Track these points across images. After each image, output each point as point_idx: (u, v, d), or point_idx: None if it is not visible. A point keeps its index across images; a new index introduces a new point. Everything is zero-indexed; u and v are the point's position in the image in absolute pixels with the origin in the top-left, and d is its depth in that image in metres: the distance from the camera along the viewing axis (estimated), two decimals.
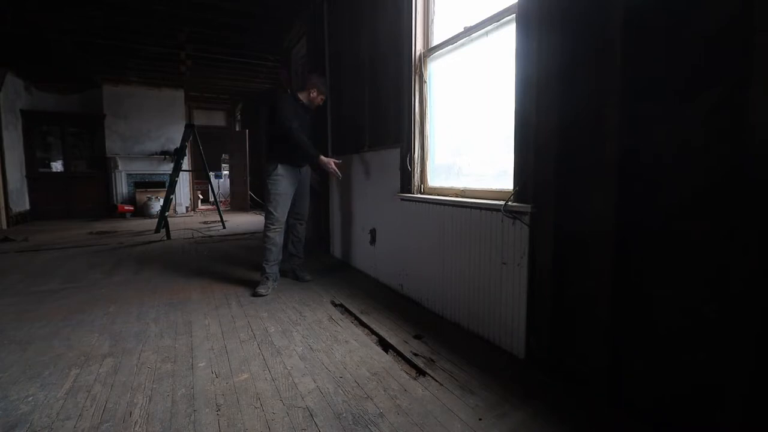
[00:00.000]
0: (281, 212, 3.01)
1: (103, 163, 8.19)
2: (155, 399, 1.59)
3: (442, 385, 1.69)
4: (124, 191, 8.35)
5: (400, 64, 2.81)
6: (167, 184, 6.27)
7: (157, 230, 5.89)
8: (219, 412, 1.50)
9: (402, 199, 2.79)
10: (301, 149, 2.95)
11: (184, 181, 8.81)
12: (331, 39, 4.15)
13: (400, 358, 1.95)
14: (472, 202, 2.14)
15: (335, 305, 2.71)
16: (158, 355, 1.97)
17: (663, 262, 1.33)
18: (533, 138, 1.76)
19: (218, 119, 10.91)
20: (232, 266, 3.82)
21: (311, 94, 3.12)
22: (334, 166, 3.04)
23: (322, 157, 3.01)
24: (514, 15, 1.90)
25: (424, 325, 2.33)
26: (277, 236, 2.99)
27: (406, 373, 1.80)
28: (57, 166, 8.05)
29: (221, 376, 1.77)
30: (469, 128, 2.47)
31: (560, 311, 1.69)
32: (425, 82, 2.70)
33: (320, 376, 1.77)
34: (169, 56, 6.42)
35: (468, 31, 2.26)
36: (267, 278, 2.99)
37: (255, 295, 2.87)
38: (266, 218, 3.03)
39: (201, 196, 10.42)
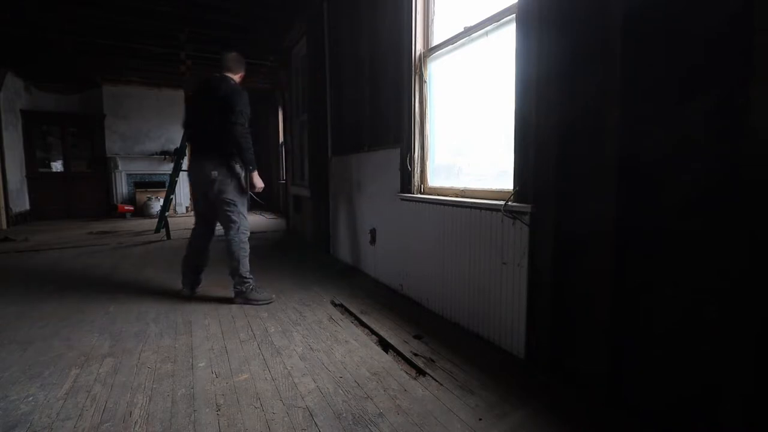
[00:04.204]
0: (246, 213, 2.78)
1: (103, 163, 8.19)
2: (155, 399, 1.59)
3: (442, 385, 1.69)
4: (124, 191, 8.34)
5: (400, 64, 2.81)
6: (167, 184, 6.27)
7: (157, 230, 5.89)
8: (219, 412, 1.50)
9: (402, 199, 2.79)
10: (246, 154, 2.58)
11: (184, 181, 8.80)
12: (331, 39, 4.15)
13: (400, 358, 1.95)
14: (472, 202, 2.14)
15: (335, 305, 2.71)
16: (158, 355, 1.97)
17: (663, 262, 1.33)
18: (533, 138, 1.76)
19: None
20: None
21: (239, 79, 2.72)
22: (260, 186, 2.80)
23: (256, 173, 2.73)
24: (514, 15, 1.90)
25: (424, 325, 2.33)
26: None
27: (406, 373, 1.80)
28: (57, 166, 8.05)
29: (221, 376, 1.77)
30: (469, 128, 2.47)
31: (560, 311, 1.69)
32: (425, 82, 2.70)
33: (320, 376, 1.77)
34: (169, 56, 6.41)
35: (468, 31, 2.26)
36: (250, 281, 2.74)
37: (259, 302, 2.68)
38: (236, 222, 2.72)
39: None
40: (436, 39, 2.66)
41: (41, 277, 3.46)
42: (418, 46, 2.71)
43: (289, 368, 1.84)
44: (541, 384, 1.68)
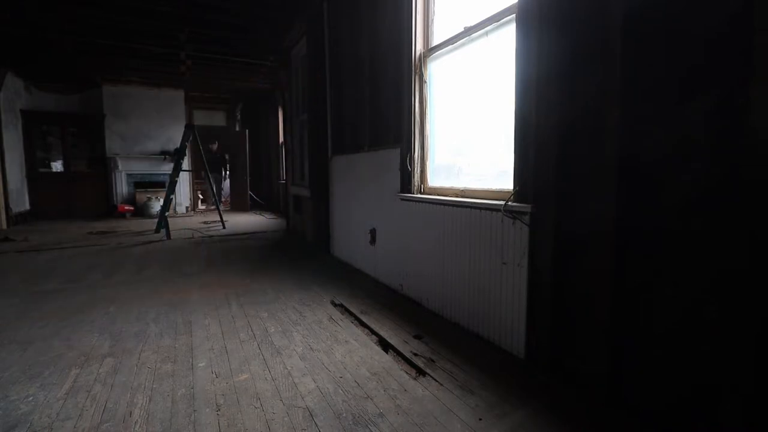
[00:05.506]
0: None
1: (103, 163, 8.19)
2: (155, 399, 1.59)
3: (442, 385, 1.69)
4: (124, 191, 8.34)
5: (400, 64, 2.81)
6: (167, 184, 6.28)
7: (157, 230, 5.89)
8: (219, 412, 1.50)
9: (402, 199, 2.79)
10: None
11: (184, 181, 8.81)
12: (331, 39, 4.15)
13: (400, 358, 1.95)
14: (472, 202, 2.14)
15: (335, 305, 2.71)
16: (158, 355, 1.97)
17: (663, 262, 1.33)
18: (533, 138, 1.76)
19: (218, 119, 10.89)
20: (232, 266, 3.82)
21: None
22: None
23: None
24: (514, 15, 1.90)
25: (424, 325, 2.33)
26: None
27: (406, 373, 1.80)
28: (57, 166, 8.04)
29: (221, 376, 1.77)
30: (469, 128, 2.47)
31: (560, 311, 1.69)
32: (425, 82, 2.70)
33: (320, 376, 1.77)
34: (169, 56, 6.41)
35: (468, 31, 2.26)
36: None
37: None
38: None
39: (201, 196, 10.42)
40: (436, 39, 2.66)
41: (41, 277, 3.45)
42: (418, 46, 2.71)
43: (289, 368, 1.83)
44: (541, 384, 1.68)
